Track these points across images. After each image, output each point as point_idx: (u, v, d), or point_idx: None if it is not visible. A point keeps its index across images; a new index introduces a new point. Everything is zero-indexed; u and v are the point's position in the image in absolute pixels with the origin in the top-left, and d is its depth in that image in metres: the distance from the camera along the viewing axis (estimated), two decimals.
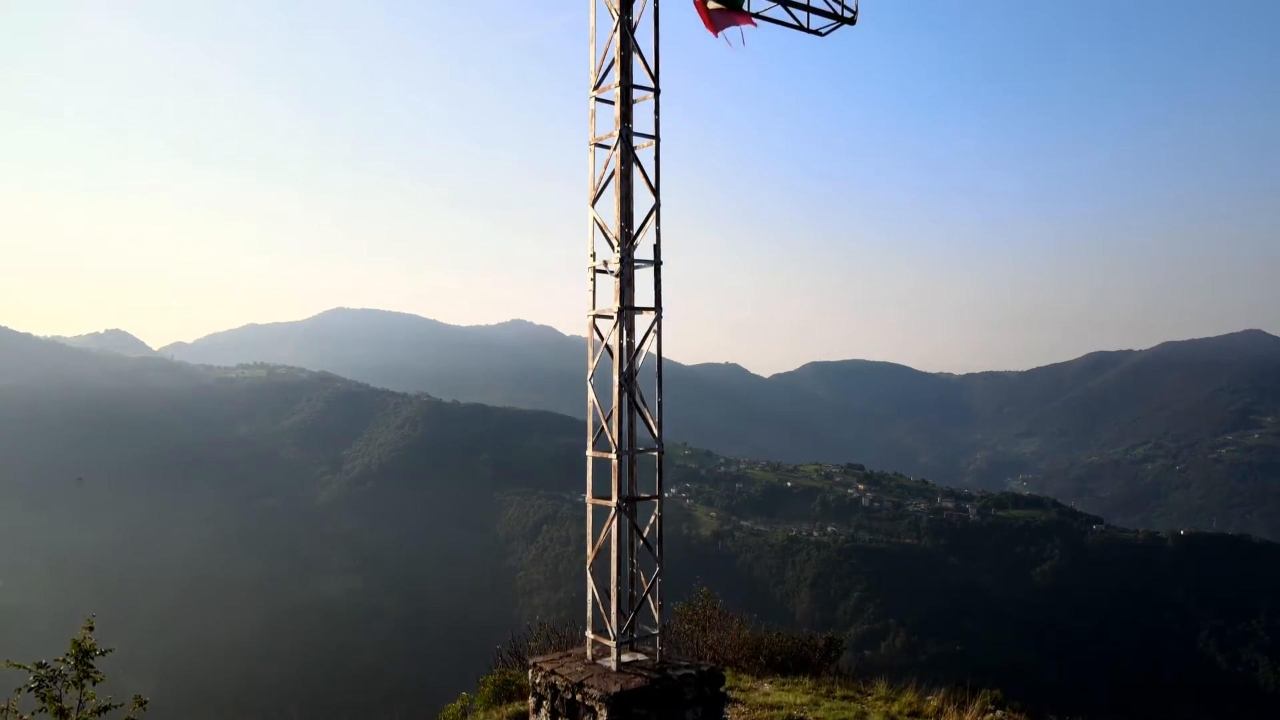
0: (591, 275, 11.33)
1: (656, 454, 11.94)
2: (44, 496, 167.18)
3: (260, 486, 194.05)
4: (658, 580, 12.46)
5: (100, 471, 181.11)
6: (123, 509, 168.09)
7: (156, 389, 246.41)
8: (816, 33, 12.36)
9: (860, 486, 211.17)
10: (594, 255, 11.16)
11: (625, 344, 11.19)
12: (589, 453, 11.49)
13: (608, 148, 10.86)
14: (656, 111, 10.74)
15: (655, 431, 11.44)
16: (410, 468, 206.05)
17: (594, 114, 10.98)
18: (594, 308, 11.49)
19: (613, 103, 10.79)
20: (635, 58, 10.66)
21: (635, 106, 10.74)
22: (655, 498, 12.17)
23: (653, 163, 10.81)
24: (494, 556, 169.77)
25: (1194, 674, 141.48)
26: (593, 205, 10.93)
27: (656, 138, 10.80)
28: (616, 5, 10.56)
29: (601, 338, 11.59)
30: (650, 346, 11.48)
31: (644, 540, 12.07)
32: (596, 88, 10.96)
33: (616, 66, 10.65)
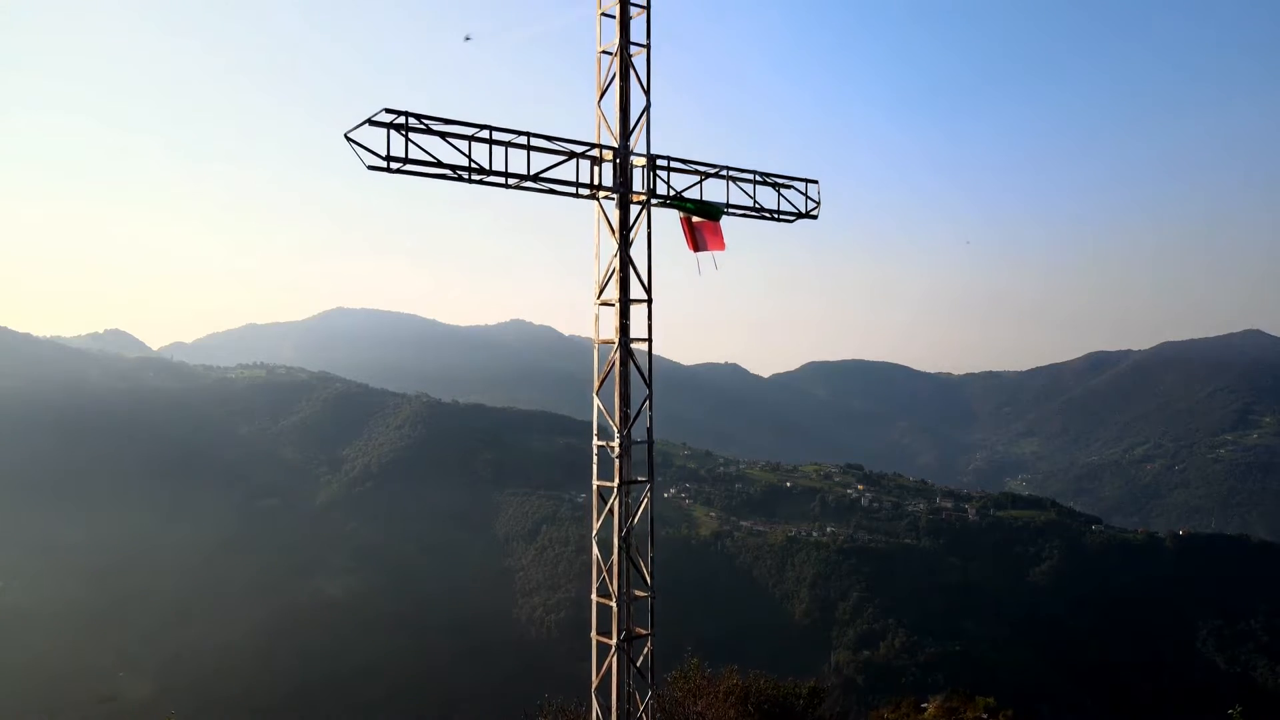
0: (596, 450, 13.27)
1: (649, 599, 13.57)
2: (43, 497, 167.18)
3: (259, 487, 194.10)
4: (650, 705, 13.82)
5: (100, 472, 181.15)
6: (122, 509, 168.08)
7: (156, 389, 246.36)
8: (785, 221, 14.45)
9: (859, 487, 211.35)
10: (596, 433, 13.10)
11: (622, 509, 12.99)
12: (593, 596, 13.40)
13: (610, 344, 12.78)
14: (650, 317, 12.83)
15: (648, 579, 13.35)
16: (409, 468, 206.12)
17: (597, 318, 13.03)
18: (596, 478, 13.45)
19: (613, 306, 12.76)
20: (632, 274, 12.64)
21: (632, 309, 12.72)
22: (650, 634, 13.80)
23: (646, 358, 12.91)
24: (493, 556, 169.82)
25: (1192, 674, 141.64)
26: (597, 393, 12.90)
27: (650, 339, 12.82)
28: (617, 229, 12.43)
29: (605, 501, 13.30)
30: (644, 512, 13.46)
31: (638, 669, 13.46)
32: (600, 296, 12.89)
33: (616, 281, 12.58)
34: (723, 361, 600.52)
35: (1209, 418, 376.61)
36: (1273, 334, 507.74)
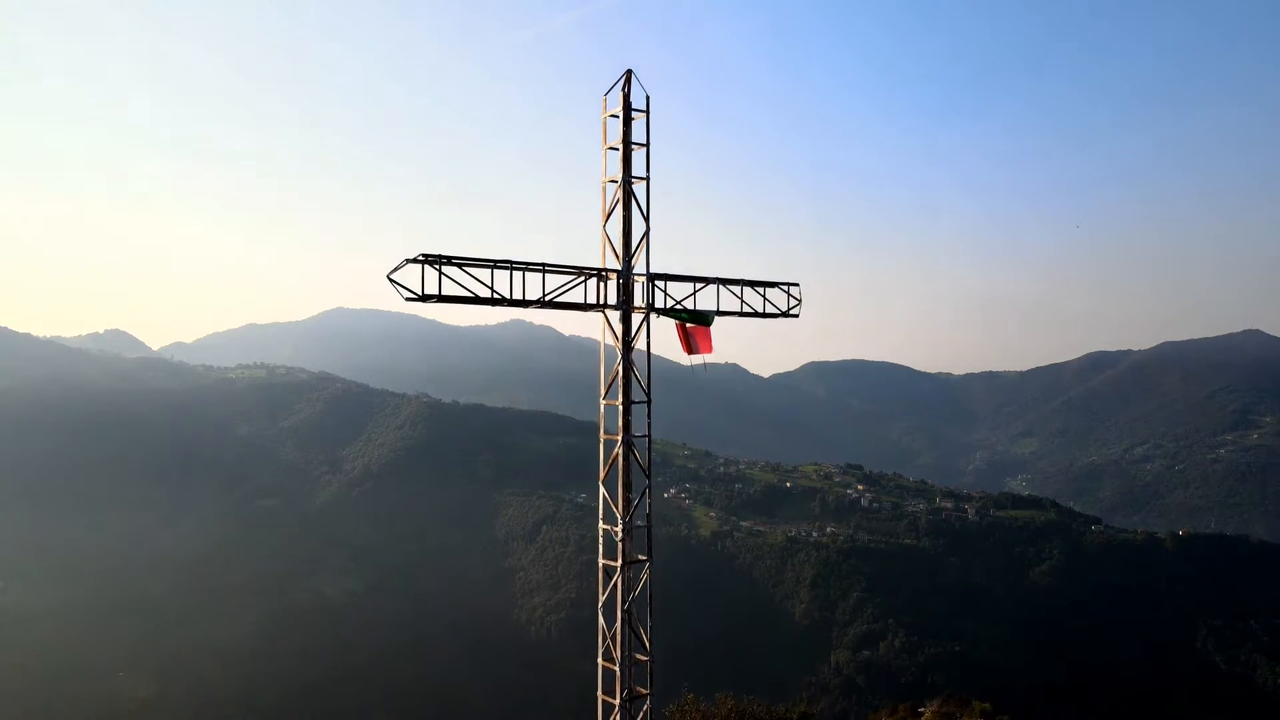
0: (602, 533, 14.63)
1: (648, 663, 14.85)
2: (44, 497, 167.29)
3: (259, 487, 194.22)
4: None
5: (100, 472, 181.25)
6: (122, 509, 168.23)
7: (156, 389, 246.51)
8: (770, 318, 16.07)
9: (859, 487, 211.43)
10: (602, 517, 14.49)
11: (625, 585, 14.49)
12: (599, 660, 14.64)
13: (615, 439, 14.14)
14: (649, 415, 14.30)
15: (647, 644, 14.77)
16: (410, 468, 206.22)
17: (602, 415, 14.46)
18: (602, 557, 14.89)
19: (617, 406, 14.06)
20: (634, 377, 14.17)
21: (634, 409, 14.27)
22: (648, 693, 14.91)
23: (646, 451, 14.44)
24: (493, 557, 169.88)
25: (1193, 674, 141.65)
26: (602, 482, 14.15)
27: (649, 437, 14.33)
28: (620, 339, 13.94)
29: (609, 577, 14.71)
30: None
31: None
32: (605, 395, 14.26)
33: (619, 385, 14.04)
34: (723, 361, 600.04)
35: (1209, 418, 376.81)
36: (1273, 334, 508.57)
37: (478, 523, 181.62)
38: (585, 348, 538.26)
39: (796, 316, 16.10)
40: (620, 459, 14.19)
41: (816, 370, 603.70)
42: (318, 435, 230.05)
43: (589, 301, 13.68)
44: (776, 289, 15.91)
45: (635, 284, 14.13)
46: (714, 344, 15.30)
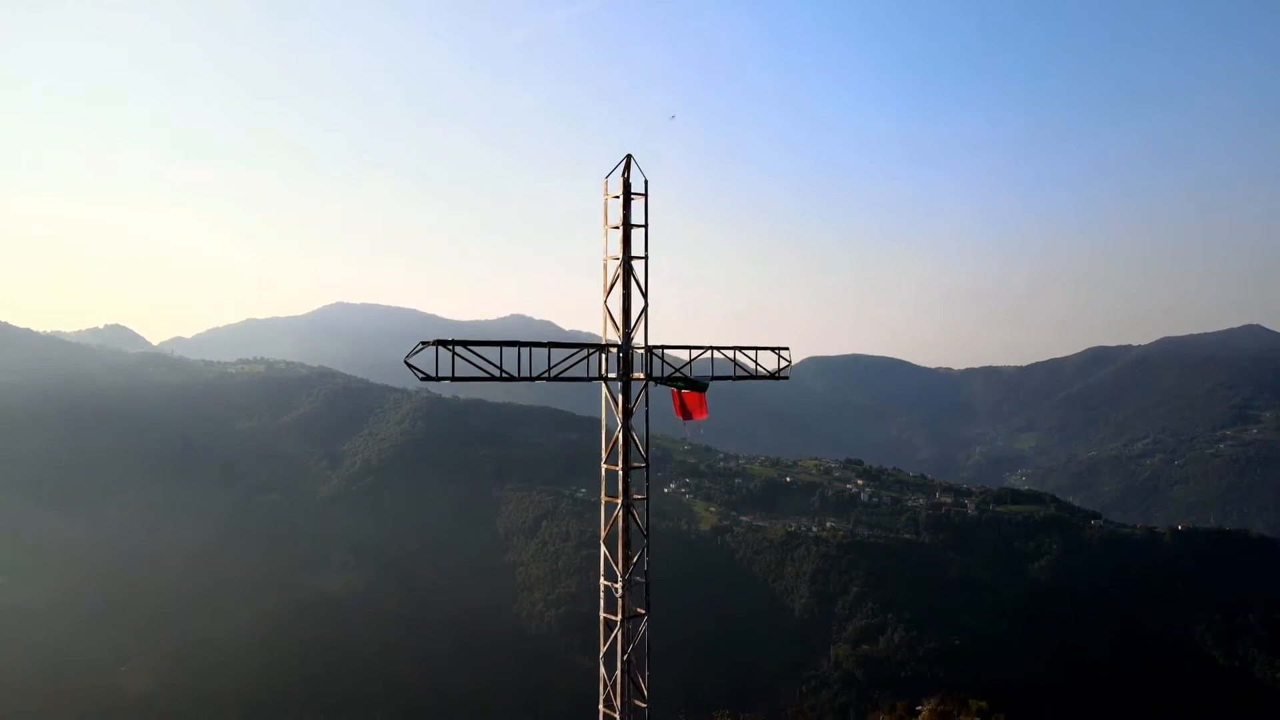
0: (604, 589, 15.43)
1: (646, 709, 15.39)
2: (45, 492, 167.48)
3: (260, 482, 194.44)
4: None
5: (101, 467, 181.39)
6: (123, 505, 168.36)
7: (157, 384, 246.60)
8: (761, 380, 17.02)
9: (859, 482, 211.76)
10: (604, 574, 15.18)
11: (624, 638, 15.32)
12: (600, 708, 15.31)
13: (615, 501, 15.02)
14: (647, 479, 15.00)
15: (645, 692, 15.28)
16: (410, 463, 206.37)
17: (604, 478, 15.09)
18: (603, 611, 15.61)
19: (617, 470, 14.72)
20: (634, 442, 14.85)
21: (633, 473, 14.95)
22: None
23: (645, 515, 15.20)
24: (494, 552, 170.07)
25: (1191, 669, 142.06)
26: (603, 541, 14.88)
27: (647, 498, 15.11)
28: (620, 408, 14.48)
29: (610, 630, 15.42)
30: None
31: None
32: (605, 459, 14.96)
33: (620, 449, 14.65)
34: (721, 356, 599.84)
35: (1208, 413, 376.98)
36: (1273, 329, 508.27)
37: (478, 518, 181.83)
38: (586, 342, 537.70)
39: (787, 379, 17.29)
40: (620, 521, 14.90)
41: (816, 365, 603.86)
42: (318, 430, 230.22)
43: (592, 374, 14.63)
44: (767, 353, 16.99)
45: (634, 355, 14.92)
46: (707, 411, 16.16)
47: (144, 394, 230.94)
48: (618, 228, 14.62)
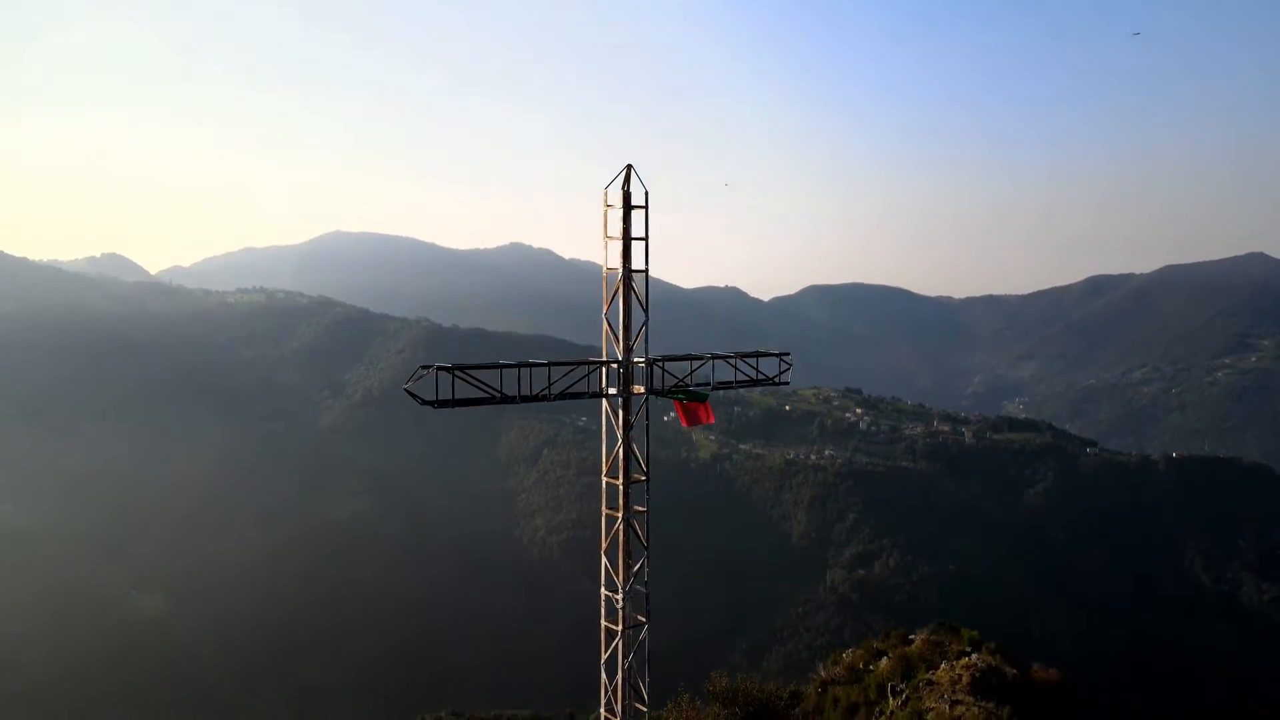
0: (604, 599, 15.63)
1: (646, 713, 15.96)
2: (48, 421, 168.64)
3: (263, 411, 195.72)
4: None
5: (103, 398, 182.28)
6: (127, 434, 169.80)
7: (157, 314, 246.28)
8: (761, 386, 17.07)
9: (858, 410, 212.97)
10: (604, 583, 15.45)
11: (625, 645, 15.75)
12: (601, 712, 15.78)
13: (616, 515, 15.27)
14: (647, 493, 15.22)
15: (645, 696, 15.73)
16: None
17: (605, 491, 15.30)
18: (604, 619, 15.91)
19: (617, 484, 15.04)
20: (634, 456, 15.08)
21: (632, 488, 15.25)
22: None
23: (645, 525, 15.45)
24: (496, 479, 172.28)
25: (1179, 591, 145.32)
26: (604, 552, 15.08)
27: (647, 511, 15.35)
28: (620, 423, 14.72)
29: (611, 638, 15.88)
30: None
31: None
32: (606, 473, 15.20)
33: (620, 463, 14.89)
34: (723, 285, 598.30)
35: (1208, 341, 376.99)
36: (1277, 256, 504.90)
37: (480, 446, 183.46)
38: (585, 271, 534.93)
39: (787, 384, 17.48)
40: (621, 534, 15.24)
41: (817, 294, 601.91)
42: (319, 359, 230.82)
43: (593, 390, 14.71)
44: (768, 359, 17.14)
45: (635, 368, 15.00)
46: (713, 415, 16.35)
47: (145, 324, 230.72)
48: (617, 239, 14.50)
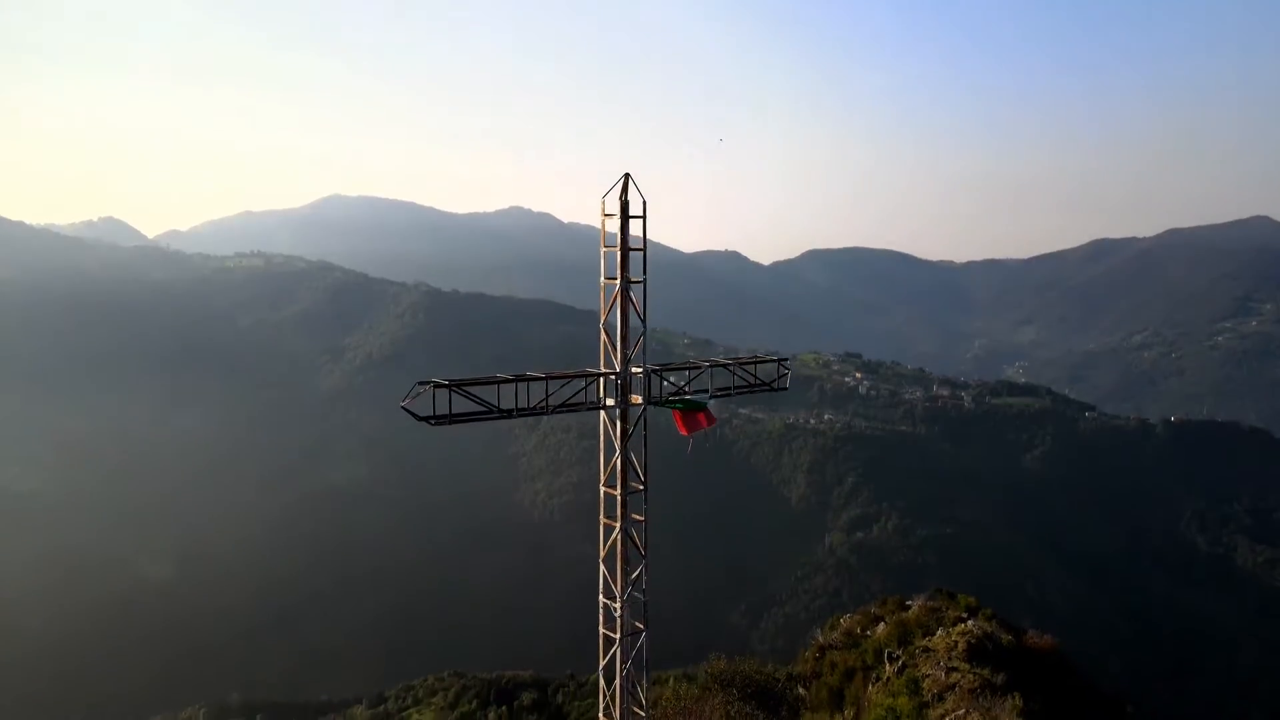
0: (603, 606, 15.60)
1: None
2: (47, 386, 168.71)
3: (263, 376, 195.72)
4: None
5: (103, 363, 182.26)
6: (126, 399, 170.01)
7: (156, 280, 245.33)
8: (759, 392, 17.07)
9: (857, 375, 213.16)
10: (602, 591, 15.46)
11: (623, 652, 15.71)
12: (600, 717, 15.94)
13: (613, 525, 15.17)
14: (645, 502, 15.09)
15: (644, 700, 15.74)
16: (411, 357, 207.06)
17: (602, 501, 15.12)
18: (603, 627, 15.85)
19: (616, 492, 14.96)
20: (631, 465, 14.97)
21: (630, 498, 15.14)
22: None
23: (644, 534, 15.33)
24: (496, 444, 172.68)
25: (1173, 554, 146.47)
26: (602, 561, 15.11)
27: (646, 520, 15.22)
28: (619, 434, 14.69)
29: (609, 646, 15.81)
30: None
31: None
32: (605, 483, 15.03)
33: (619, 472, 14.78)
34: (723, 249, 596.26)
35: (1210, 305, 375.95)
36: None
37: None
38: (584, 234, 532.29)
39: (785, 389, 17.37)
40: (620, 544, 15.26)
41: (817, 258, 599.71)
42: (319, 324, 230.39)
43: (591, 401, 14.71)
44: (767, 365, 17.18)
45: (633, 379, 15.03)
46: (714, 418, 16.53)
47: (144, 289, 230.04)
48: (613, 246, 14.35)
